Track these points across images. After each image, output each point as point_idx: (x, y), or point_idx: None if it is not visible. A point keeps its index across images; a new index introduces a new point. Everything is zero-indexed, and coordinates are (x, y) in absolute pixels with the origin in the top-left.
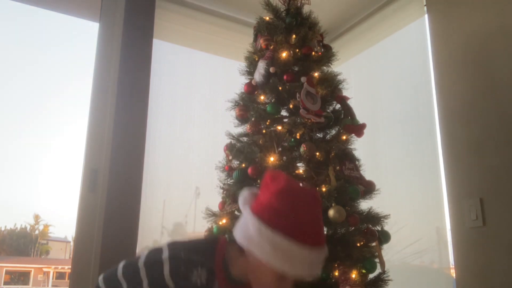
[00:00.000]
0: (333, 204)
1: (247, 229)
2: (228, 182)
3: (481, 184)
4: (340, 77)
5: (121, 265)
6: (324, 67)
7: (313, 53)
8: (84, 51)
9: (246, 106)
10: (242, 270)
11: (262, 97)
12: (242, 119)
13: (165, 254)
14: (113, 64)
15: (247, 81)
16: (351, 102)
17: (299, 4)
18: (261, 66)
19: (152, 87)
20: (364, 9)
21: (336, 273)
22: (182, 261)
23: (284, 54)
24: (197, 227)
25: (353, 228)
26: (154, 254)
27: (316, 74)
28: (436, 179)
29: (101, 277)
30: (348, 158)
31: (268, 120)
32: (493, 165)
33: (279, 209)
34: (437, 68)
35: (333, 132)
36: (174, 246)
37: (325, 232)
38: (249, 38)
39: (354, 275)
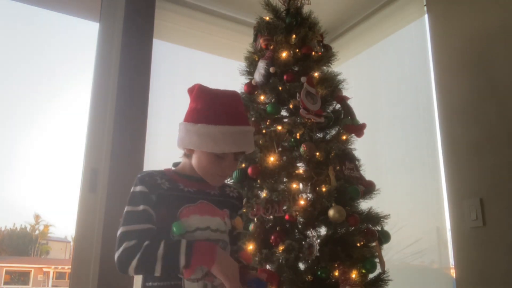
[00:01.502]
0: (333, 204)
1: (180, 134)
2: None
3: (481, 184)
4: (340, 77)
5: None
6: (324, 67)
7: (313, 53)
8: (84, 51)
9: (246, 106)
10: (190, 169)
11: (262, 97)
12: None
13: (132, 188)
14: (113, 64)
15: (247, 81)
16: (351, 102)
17: (299, 4)
18: (261, 66)
19: (152, 87)
20: (364, 9)
21: (336, 273)
22: (143, 176)
23: (284, 54)
24: None
25: (353, 228)
26: (129, 196)
27: (316, 74)
28: (436, 179)
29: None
30: (348, 158)
31: (268, 120)
32: (493, 165)
33: (197, 107)
34: (437, 68)
35: (333, 132)
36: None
37: (325, 232)
38: (249, 38)
39: (354, 275)
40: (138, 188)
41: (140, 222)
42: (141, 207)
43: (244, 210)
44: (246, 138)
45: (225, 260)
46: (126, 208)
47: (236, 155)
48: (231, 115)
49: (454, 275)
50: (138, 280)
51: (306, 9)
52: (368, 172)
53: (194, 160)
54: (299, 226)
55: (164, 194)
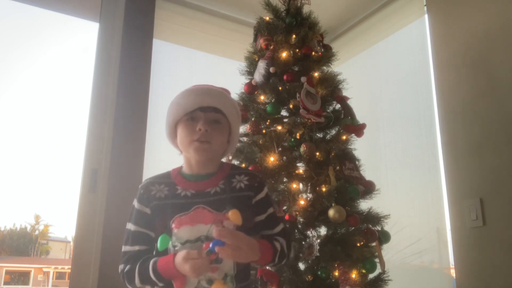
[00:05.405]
0: (333, 204)
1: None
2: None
3: (481, 184)
4: (340, 77)
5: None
6: (324, 67)
7: (313, 53)
8: (84, 51)
9: (246, 106)
10: (187, 165)
11: (262, 97)
12: (242, 119)
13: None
14: (113, 64)
15: (247, 81)
16: (351, 102)
17: (299, 4)
18: (261, 66)
19: (152, 87)
20: (364, 9)
21: (336, 273)
22: (139, 189)
23: (284, 54)
24: None
25: (353, 228)
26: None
27: (316, 74)
28: (436, 179)
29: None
30: (348, 158)
31: (268, 120)
32: (493, 165)
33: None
34: (437, 68)
35: (333, 132)
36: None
37: (325, 232)
38: (249, 38)
39: (354, 275)
40: (135, 204)
41: (131, 244)
42: (133, 228)
43: None
44: (208, 93)
45: (182, 263)
46: (127, 223)
47: (207, 114)
48: (189, 88)
49: (454, 275)
50: None
51: (306, 9)
52: (368, 172)
53: (178, 143)
54: (299, 226)
55: (159, 204)
